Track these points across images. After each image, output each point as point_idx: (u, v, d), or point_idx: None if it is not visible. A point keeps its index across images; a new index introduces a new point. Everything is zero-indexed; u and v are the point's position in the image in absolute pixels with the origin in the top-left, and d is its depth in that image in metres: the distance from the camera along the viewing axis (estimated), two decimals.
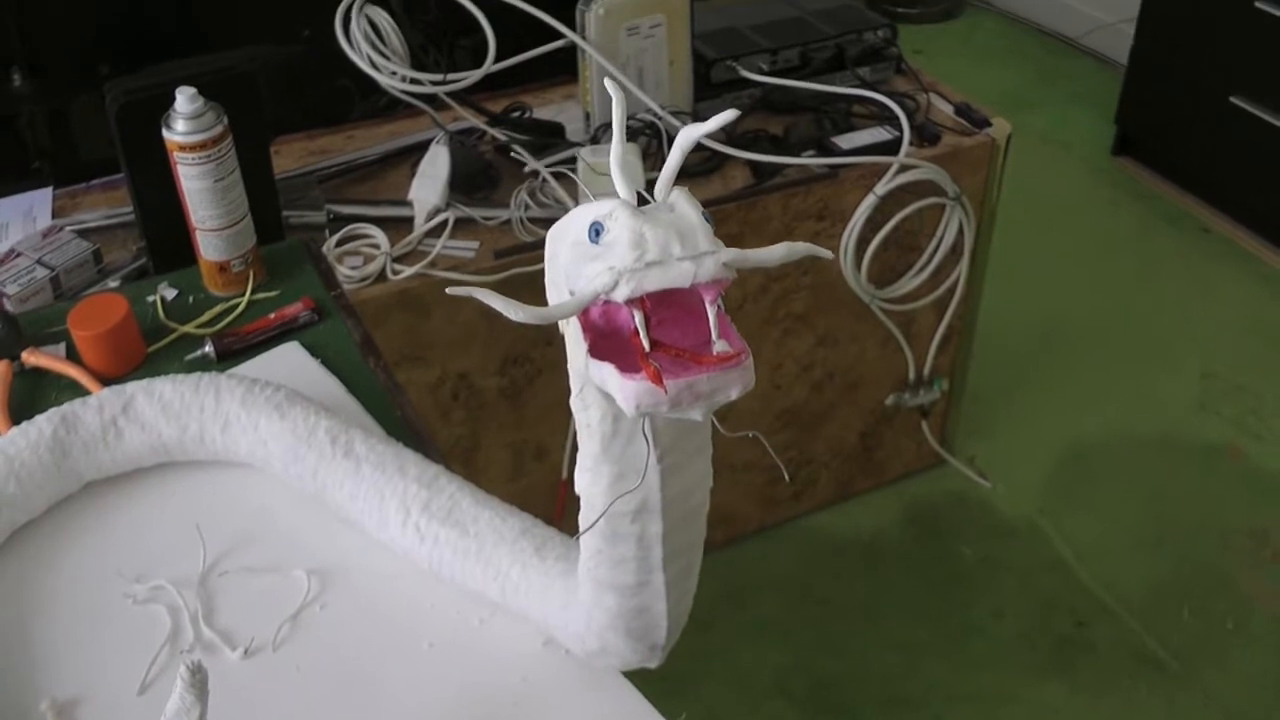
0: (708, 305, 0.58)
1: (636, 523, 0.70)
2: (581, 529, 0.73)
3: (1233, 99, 2.63)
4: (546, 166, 1.70)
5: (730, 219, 1.70)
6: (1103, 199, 2.99)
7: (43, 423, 1.00)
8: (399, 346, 1.60)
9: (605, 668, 0.85)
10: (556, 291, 0.66)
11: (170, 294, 1.27)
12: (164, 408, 1.01)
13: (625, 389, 0.58)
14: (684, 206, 0.59)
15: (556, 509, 1.88)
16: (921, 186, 1.75)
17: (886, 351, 1.95)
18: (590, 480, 0.70)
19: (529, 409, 1.79)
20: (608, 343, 0.60)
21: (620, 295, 0.57)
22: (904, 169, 1.71)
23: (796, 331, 1.87)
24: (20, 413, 1.10)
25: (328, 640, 0.89)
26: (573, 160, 1.71)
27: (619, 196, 0.61)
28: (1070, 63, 3.59)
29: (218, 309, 1.24)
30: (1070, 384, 2.45)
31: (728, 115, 0.60)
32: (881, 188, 1.71)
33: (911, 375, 1.98)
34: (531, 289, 1.65)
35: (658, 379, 0.57)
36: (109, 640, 0.90)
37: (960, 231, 1.82)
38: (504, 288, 1.58)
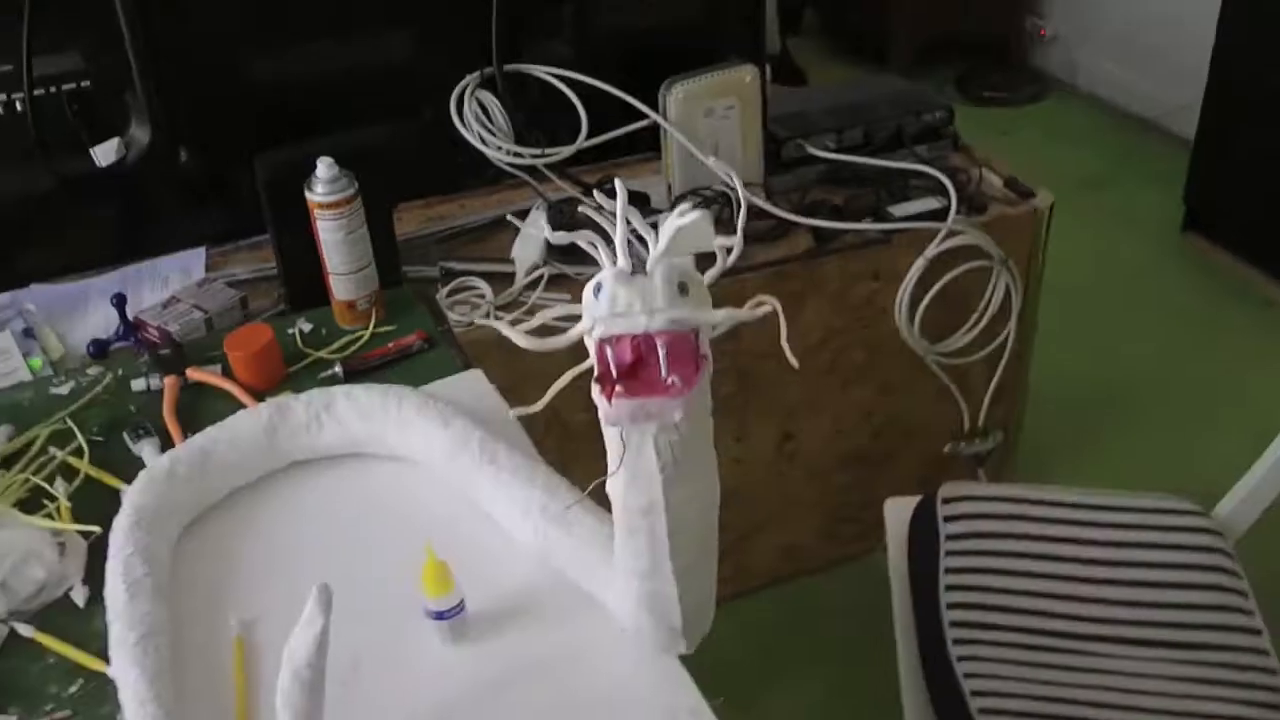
0: (659, 347, 0.78)
1: (647, 519, 0.89)
2: (615, 530, 0.93)
3: None
4: (632, 230, 1.92)
5: (794, 278, 1.91)
6: (1169, 271, 3.14)
7: (263, 410, 1.27)
8: (498, 382, 1.83)
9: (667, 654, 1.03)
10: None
11: (306, 327, 1.53)
12: (358, 409, 1.27)
13: (601, 404, 0.80)
14: (657, 277, 0.80)
15: None
16: (969, 251, 1.94)
17: (943, 402, 2.13)
18: (613, 484, 0.89)
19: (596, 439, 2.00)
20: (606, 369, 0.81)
21: (595, 334, 0.79)
22: (951, 234, 1.90)
23: (858, 381, 2.06)
24: (185, 418, 1.36)
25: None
26: (655, 226, 1.93)
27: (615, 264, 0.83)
28: (1146, 142, 3.75)
29: (345, 339, 1.49)
30: (1128, 443, 2.59)
31: (697, 214, 0.83)
32: (931, 251, 1.91)
33: (967, 425, 2.16)
34: None
35: (616, 396, 0.78)
36: (289, 582, 1.11)
37: (1008, 293, 2.00)
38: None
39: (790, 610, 2.22)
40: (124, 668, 1.00)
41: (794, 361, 0.85)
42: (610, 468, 0.88)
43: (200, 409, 1.38)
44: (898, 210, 1.93)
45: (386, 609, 1.09)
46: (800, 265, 1.91)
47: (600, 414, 0.81)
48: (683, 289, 0.81)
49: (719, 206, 1.94)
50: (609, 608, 1.05)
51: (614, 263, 0.83)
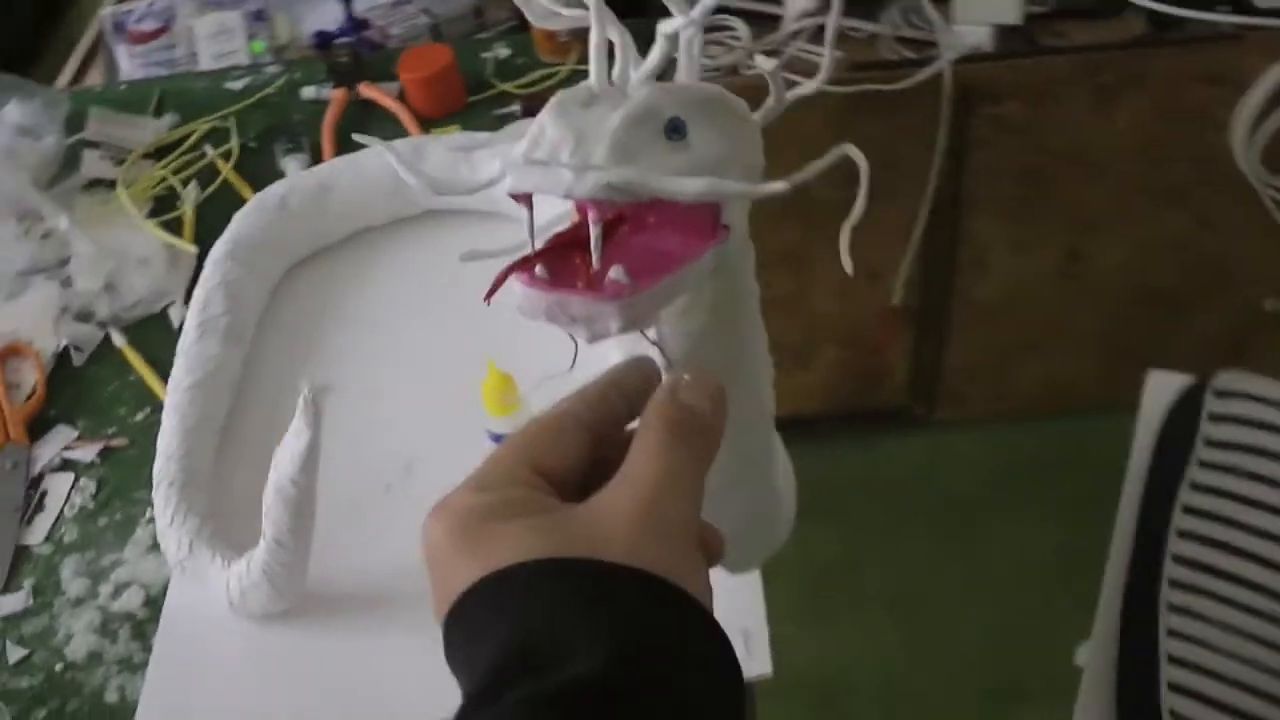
0: (590, 225, 0.51)
1: None
2: None
3: None
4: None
5: (1109, 69, 1.57)
6: None
7: (399, 145, 1.12)
8: None
9: None
10: None
11: (503, 54, 1.37)
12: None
13: (515, 287, 0.53)
14: (621, 108, 0.51)
15: (883, 336, 1.88)
16: None
17: (1274, 248, 1.75)
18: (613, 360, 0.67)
19: (867, 229, 1.75)
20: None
21: (506, 188, 0.53)
22: None
23: (1171, 204, 1.72)
24: (345, 137, 1.25)
25: None
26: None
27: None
28: None
29: (539, 74, 1.33)
30: None
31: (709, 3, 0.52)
32: None
33: None
34: (874, 108, 1.62)
35: (529, 284, 0.51)
36: (379, 352, 1.04)
37: None
38: (854, 102, 1.58)
39: (1039, 449, 1.98)
40: (168, 411, 0.94)
41: (848, 266, 0.58)
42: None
43: (365, 130, 1.25)
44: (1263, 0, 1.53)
45: (462, 409, 0.97)
46: (1123, 54, 1.56)
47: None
48: (676, 129, 0.53)
49: None
50: None
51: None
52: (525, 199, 0.52)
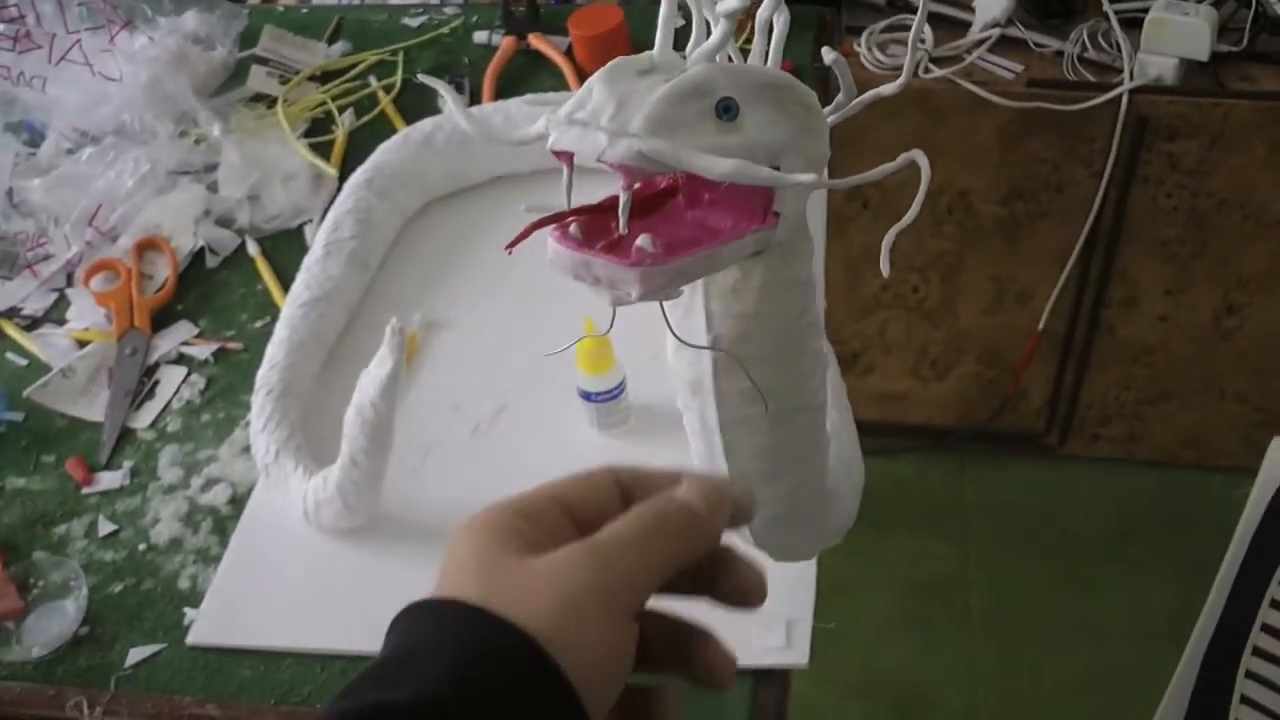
0: (620, 190, 0.51)
1: (696, 399, 0.65)
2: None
3: None
4: (1118, 7, 1.58)
5: None
6: None
7: (551, 100, 1.14)
8: (903, 143, 1.61)
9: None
10: None
11: (679, 24, 1.37)
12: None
13: (548, 242, 0.54)
14: (671, 82, 0.51)
15: (1024, 356, 1.84)
16: None
17: None
18: (669, 338, 0.65)
19: (1023, 247, 1.74)
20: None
21: (548, 145, 0.54)
22: None
23: None
24: (508, 84, 1.28)
25: None
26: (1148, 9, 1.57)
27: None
28: None
29: None
30: None
31: None
32: None
33: None
34: (1046, 127, 1.57)
35: (560, 240, 0.53)
36: (495, 295, 1.06)
37: None
38: (1025, 116, 1.54)
39: (1166, 499, 1.91)
40: (282, 323, 0.98)
41: (885, 268, 0.58)
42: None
43: (527, 80, 1.29)
44: None
45: (559, 366, 0.98)
46: None
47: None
48: (727, 110, 0.52)
49: (1234, 7, 1.53)
50: None
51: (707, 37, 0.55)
52: (565, 156, 0.54)
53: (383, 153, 1.10)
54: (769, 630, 0.81)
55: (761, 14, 0.56)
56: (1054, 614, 1.84)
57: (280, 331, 0.97)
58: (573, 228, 0.53)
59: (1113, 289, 1.75)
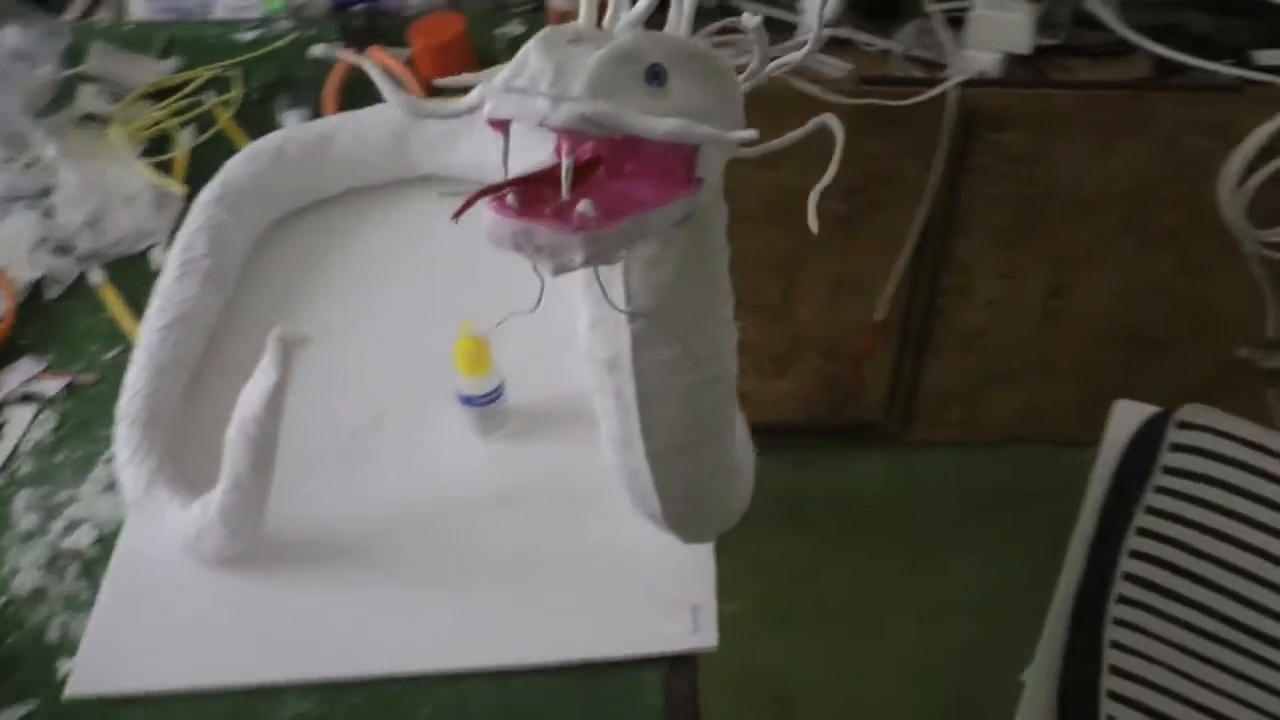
0: (562, 155, 0.52)
1: (613, 377, 0.67)
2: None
3: None
4: (942, 6, 1.64)
5: (1113, 109, 1.57)
6: None
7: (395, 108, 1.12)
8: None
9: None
10: None
11: (518, 30, 1.37)
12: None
13: (485, 214, 0.54)
14: (604, 49, 0.53)
15: (863, 348, 1.88)
16: None
17: (1250, 299, 1.76)
18: (580, 318, 0.67)
19: (858, 242, 1.78)
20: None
21: (484, 114, 0.54)
22: None
23: (1158, 248, 1.73)
24: (348, 98, 1.25)
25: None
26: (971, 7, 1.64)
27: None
28: None
29: None
30: None
31: None
32: None
33: (1272, 332, 1.79)
34: (879, 123, 1.62)
35: (497, 211, 0.53)
36: (359, 308, 1.03)
37: None
38: (860, 114, 1.58)
39: (1007, 477, 1.99)
40: (140, 349, 0.93)
41: (813, 225, 0.60)
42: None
43: (368, 94, 1.26)
44: (1265, 56, 1.54)
45: (434, 373, 0.97)
46: (1126, 95, 1.57)
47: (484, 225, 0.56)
48: (656, 75, 0.54)
49: (1050, 3, 1.61)
50: None
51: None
52: (502, 126, 0.54)
53: (233, 167, 1.06)
54: (674, 616, 0.81)
55: None
56: (907, 598, 1.89)
57: (139, 358, 0.92)
58: (509, 198, 0.52)
59: (947, 277, 1.81)
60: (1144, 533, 1.21)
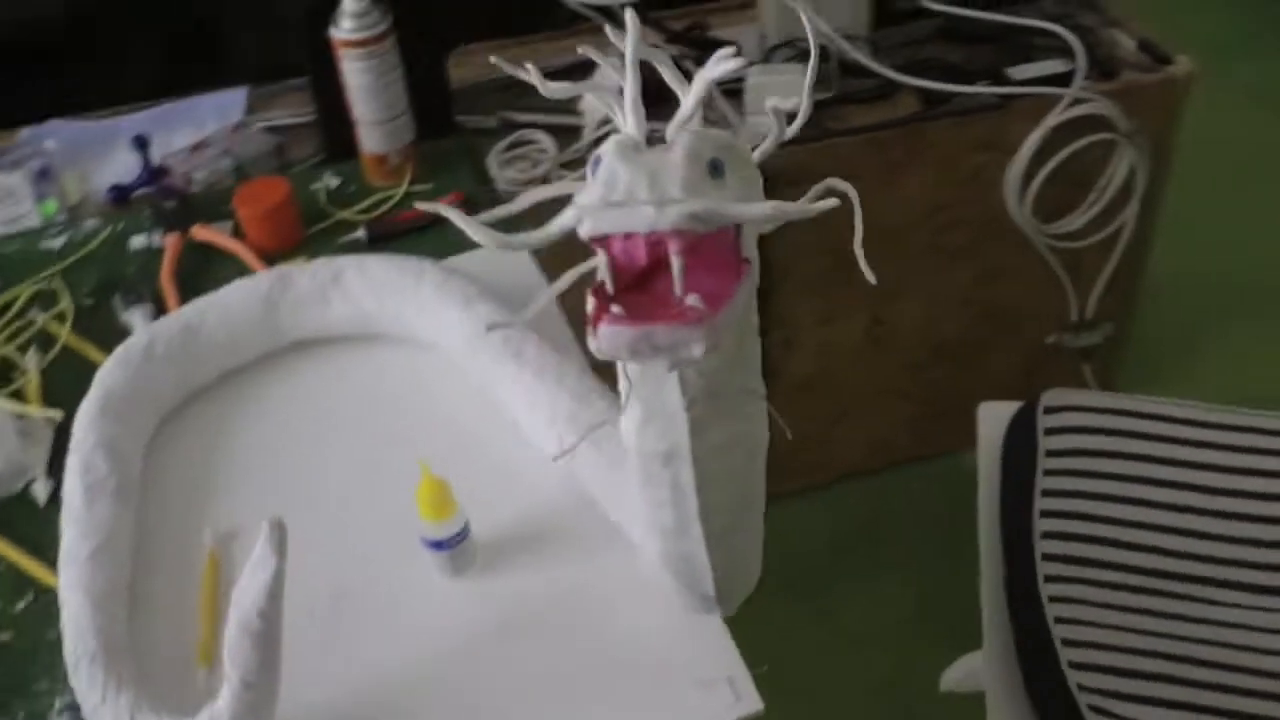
0: (672, 256, 0.55)
1: (668, 468, 0.68)
2: (631, 472, 0.72)
3: None
4: (716, 83, 1.71)
5: (895, 145, 1.69)
6: None
7: (261, 280, 1.09)
8: (551, 247, 1.66)
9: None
10: None
11: (334, 183, 1.36)
12: (370, 283, 1.08)
13: (591, 330, 0.56)
14: (678, 150, 0.57)
15: None
16: (1094, 122, 1.69)
17: (1050, 290, 1.90)
18: (626, 418, 0.68)
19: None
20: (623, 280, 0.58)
21: (583, 232, 0.56)
22: (1076, 102, 1.66)
23: (959, 263, 1.85)
24: (186, 282, 1.21)
25: None
26: (743, 79, 1.72)
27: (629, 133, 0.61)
28: None
29: (375, 198, 1.32)
30: (1251, 344, 2.33)
31: (739, 61, 0.61)
32: (1052, 119, 1.67)
33: (1075, 316, 1.93)
34: None
35: (609, 322, 0.55)
36: (277, 488, 0.99)
37: (1132, 172, 1.75)
38: None
39: (872, 506, 2.06)
40: (71, 587, 0.87)
41: (870, 276, 0.64)
42: (622, 399, 0.68)
43: (205, 273, 1.23)
44: (1018, 73, 1.68)
45: (382, 528, 0.94)
46: (903, 131, 1.68)
47: (590, 342, 0.58)
48: (716, 169, 0.58)
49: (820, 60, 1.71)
50: (641, 548, 0.88)
51: (625, 127, 0.62)
52: (602, 242, 0.55)
53: (107, 377, 1.01)
54: (714, 692, 0.82)
55: (698, 84, 0.60)
56: (804, 639, 1.91)
57: (73, 595, 0.86)
58: (614, 309, 0.55)
59: (773, 334, 1.87)
60: (1048, 514, 1.28)
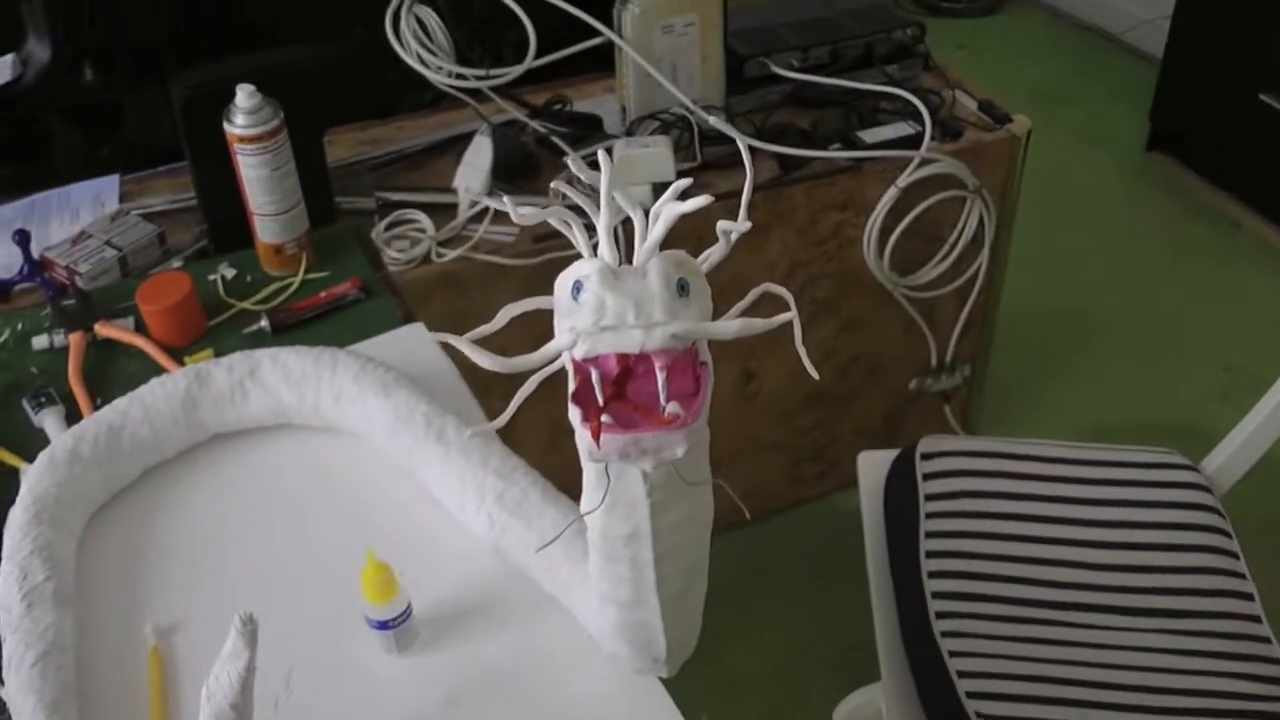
0: (657, 370, 0.63)
1: (629, 547, 0.75)
2: (591, 551, 0.79)
3: (1262, 96, 2.67)
4: (583, 157, 1.78)
5: (757, 209, 1.78)
6: (1135, 194, 3.04)
7: (179, 378, 1.11)
8: (441, 324, 1.68)
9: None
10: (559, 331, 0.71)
11: (230, 273, 1.38)
12: (286, 375, 1.11)
13: (581, 437, 0.65)
14: (653, 276, 0.64)
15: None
16: (943, 179, 1.81)
17: (910, 337, 2.02)
18: (588, 504, 0.74)
19: (564, 388, 1.88)
20: (589, 390, 0.66)
21: (578, 354, 0.64)
22: (925, 163, 1.78)
23: (822, 316, 1.95)
24: (93, 379, 1.22)
25: None
26: (608, 151, 1.79)
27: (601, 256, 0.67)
28: (1109, 58, 3.62)
29: (273, 287, 1.35)
30: (1094, 374, 2.51)
31: (702, 200, 0.68)
32: (903, 180, 1.79)
33: (934, 361, 2.06)
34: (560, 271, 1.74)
35: (603, 430, 0.63)
36: (213, 580, 1.01)
37: (981, 223, 1.88)
38: (540, 270, 1.68)
39: (750, 555, 2.14)
40: (20, 693, 0.87)
41: (814, 373, 0.71)
42: (587, 501, 0.74)
43: (112, 370, 1.23)
44: (868, 135, 1.80)
45: (323, 611, 0.97)
46: (764, 194, 1.78)
47: (581, 448, 0.66)
48: (683, 289, 0.66)
49: (678, 132, 1.80)
50: (575, 613, 0.94)
51: (594, 253, 0.68)
52: (594, 361, 0.62)
53: (35, 483, 1.02)
54: None
55: (655, 209, 0.66)
56: (695, 689, 1.96)
57: (25, 702, 0.86)
58: (605, 418, 0.59)
59: None
60: (933, 554, 1.37)
